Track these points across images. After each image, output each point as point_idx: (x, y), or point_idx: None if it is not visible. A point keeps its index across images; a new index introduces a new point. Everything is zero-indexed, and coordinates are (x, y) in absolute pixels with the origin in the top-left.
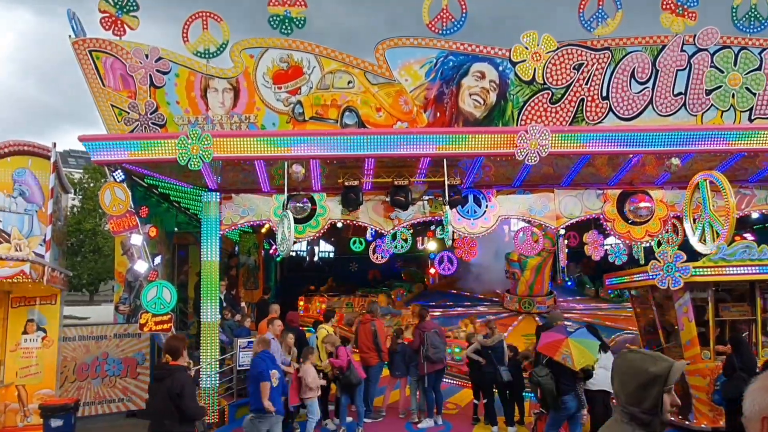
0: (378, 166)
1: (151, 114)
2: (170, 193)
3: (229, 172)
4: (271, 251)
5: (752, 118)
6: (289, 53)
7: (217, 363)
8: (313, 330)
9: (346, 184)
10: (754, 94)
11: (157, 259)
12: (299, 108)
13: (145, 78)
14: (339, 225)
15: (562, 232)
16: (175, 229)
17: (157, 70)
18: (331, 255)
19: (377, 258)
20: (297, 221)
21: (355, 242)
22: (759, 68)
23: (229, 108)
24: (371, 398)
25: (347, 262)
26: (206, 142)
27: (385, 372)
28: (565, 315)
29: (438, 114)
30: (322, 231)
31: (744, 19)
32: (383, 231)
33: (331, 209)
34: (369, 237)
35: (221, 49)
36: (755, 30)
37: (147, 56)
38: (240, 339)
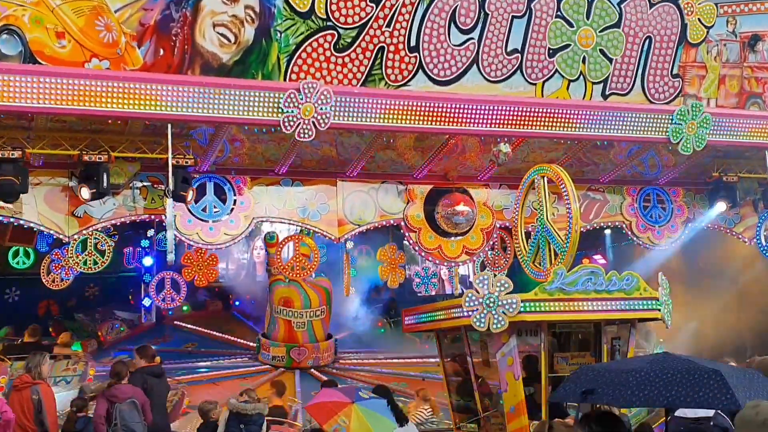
0: (58, 130)
1: None
2: None
3: None
4: None
5: (606, 93)
6: None
7: None
8: None
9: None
10: (611, 60)
11: None
12: None
13: None
14: None
15: (350, 245)
16: None
17: None
18: None
19: (54, 280)
20: None
21: (16, 254)
22: (617, 25)
23: None
24: None
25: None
26: None
27: None
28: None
29: (162, 51)
30: None
31: None
32: (63, 236)
33: None
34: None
35: None
36: None
37: None
38: None
